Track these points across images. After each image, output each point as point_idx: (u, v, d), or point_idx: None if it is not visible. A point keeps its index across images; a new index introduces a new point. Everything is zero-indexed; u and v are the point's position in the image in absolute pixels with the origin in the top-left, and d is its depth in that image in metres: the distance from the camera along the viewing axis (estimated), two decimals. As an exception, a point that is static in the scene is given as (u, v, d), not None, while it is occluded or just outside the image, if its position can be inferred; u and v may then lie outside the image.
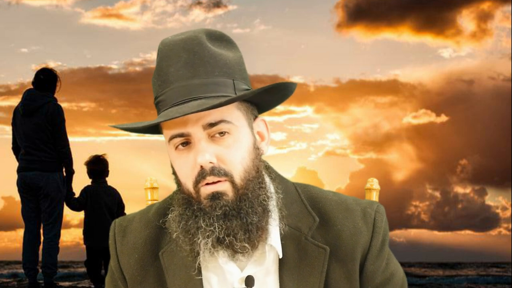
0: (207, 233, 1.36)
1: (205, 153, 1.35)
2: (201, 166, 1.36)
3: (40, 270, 6.13)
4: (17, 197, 6.21)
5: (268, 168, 1.48)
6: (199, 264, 1.43)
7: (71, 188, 6.22)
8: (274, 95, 1.45)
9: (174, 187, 1.47)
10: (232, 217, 1.36)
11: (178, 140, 1.38)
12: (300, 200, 1.48)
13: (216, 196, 1.36)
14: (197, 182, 1.37)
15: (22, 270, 6.46)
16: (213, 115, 1.36)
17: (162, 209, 1.51)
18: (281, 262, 1.42)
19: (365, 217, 1.46)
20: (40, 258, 6.14)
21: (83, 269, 14.74)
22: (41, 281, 6.17)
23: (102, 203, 6.57)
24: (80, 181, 6.65)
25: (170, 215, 1.44)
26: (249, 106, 1.44)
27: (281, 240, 1.42)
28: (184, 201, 1.41)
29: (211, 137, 1.37)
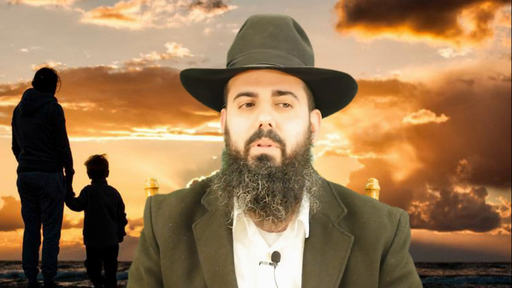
0: (249, 189, 1.42)
1: (269, 114, 1.42)
2: (260, 125, 1.42)
3: (40, 270, 6.13)
4: (17, 197, 6.22)
5: None
6: (230, 228, 1.47)
7: (71, 188, 6.22)
8: (340, 92, 1.51)
9: (174, 187, 1.49)
10: (276, 179, 1.42)
11: (244, 99, 1.45)
12: (331, 192, 1.55)
13: (264, 157, 1.42)
14: (250, 140, 1.43)
15: (22, 270, 6.45)
16: (284, 85, 1.44)
17: (199, 186, 1.57)
18: (307, 242, 1.48)
19: (391, 216, 1.53)
20: (40, 258, 6.14)
21: (83, 269, 14.74)
22: (41, 281, 6.17)
23: (102, 203, 6.57)
24: (80, 181, 6.66)
25: (212, 173, 1.51)
26: (312, 95, 1.51)
27: (310, 222, 1.48)
28: (230, 157, 1.46)
29: (275, 105, 1.44)
